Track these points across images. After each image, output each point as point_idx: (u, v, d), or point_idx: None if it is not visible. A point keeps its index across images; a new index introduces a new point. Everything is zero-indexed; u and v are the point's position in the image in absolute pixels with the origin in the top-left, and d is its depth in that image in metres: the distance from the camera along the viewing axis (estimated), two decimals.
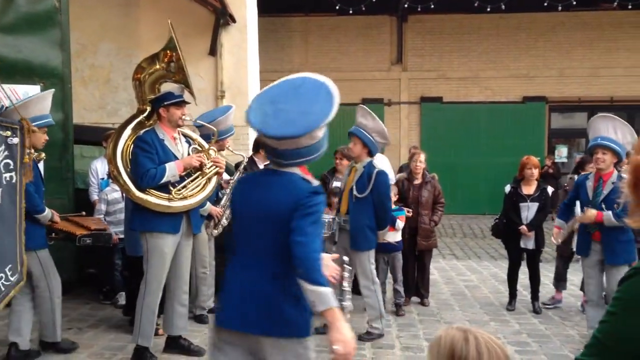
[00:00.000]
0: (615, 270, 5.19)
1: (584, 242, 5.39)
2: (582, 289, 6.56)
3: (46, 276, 4.94)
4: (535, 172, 6.61)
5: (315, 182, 2.73)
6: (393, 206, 6.34)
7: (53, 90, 5.30)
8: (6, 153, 4.14)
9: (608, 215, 5.12)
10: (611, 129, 5.16)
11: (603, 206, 5.21)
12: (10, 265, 4.21)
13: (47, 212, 4.92)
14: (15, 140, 4.18)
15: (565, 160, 16.80)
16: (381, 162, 7.25)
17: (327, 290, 2.48)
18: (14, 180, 4.17)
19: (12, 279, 4.22)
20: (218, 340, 2.75)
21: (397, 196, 6.54)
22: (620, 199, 1.67)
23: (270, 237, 2.65)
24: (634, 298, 1.44)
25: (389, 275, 6.64)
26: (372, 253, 5.60)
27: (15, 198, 4.20)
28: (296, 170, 2.73)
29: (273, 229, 2.63)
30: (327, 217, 5.45)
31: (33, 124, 4.96)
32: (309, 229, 2.56)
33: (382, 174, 5.56)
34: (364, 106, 5.82)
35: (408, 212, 6.53)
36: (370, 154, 5.62)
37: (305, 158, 2.68)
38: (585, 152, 8.12)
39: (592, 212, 5.17)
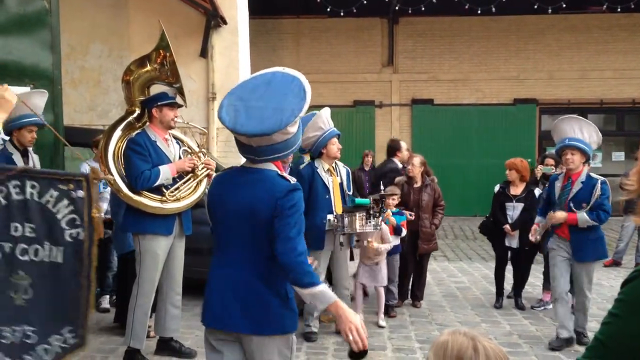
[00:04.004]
0: (584, 267, 5.36)
1: (553, 240, 5.54)
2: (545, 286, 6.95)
3: None
4: (512, 174, 6.71)
5: (292, 180, 2.71)
6: (394, 209, 6.36)
7: (45, 91, 5.28)
8: (71, 208, 3.82)
9: (582, 216, 5.27)
10: (577, 130, 5.27)
11: (571, 205, 5.33)
12: (69, 328, 3.87)
13: None
14: (81, 193, 3.85)
15: None
16: None
17: (322, 288, 2.55)
18: (80, 237, 3.85)
19: (71, 341, 3.88)
20: (210, 339, 2.77)
21: (399, 199, 6.52)
22: (623, 197, 1.66)
23: (251, 237, 2.65)
24: (637, 300, 1.43)
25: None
26: None
27: (82, 256, 3.86)
28: (272, 167, 2.71)
29: (255, 228, 2.63)
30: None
31: (20, 121, 4.96)
32: (292, 233, 2.58)
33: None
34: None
35: (410, 215, 6.53)
36: None
37: (280, 153, 2.66)
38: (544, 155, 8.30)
39: (561, 214, 5.33)
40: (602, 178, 5.49)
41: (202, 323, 2.77)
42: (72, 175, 3.92)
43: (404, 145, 8.16)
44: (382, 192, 6.34)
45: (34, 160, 5.23)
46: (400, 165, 7.86)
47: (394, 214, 6.33)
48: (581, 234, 5.31)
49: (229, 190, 2.71)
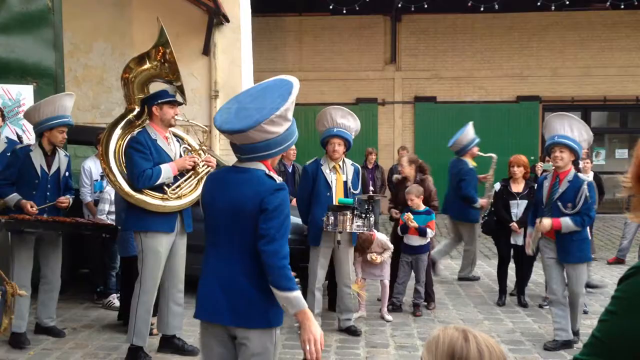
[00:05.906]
0: (571, 267, 5.33)
1: (542, 241, 5.49)
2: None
3: None
4: (519, 170, 6.69)
5: (279, 179, 2.79)
6: (422, 207, 6.32)
7: (73, 94, 5.41)
8: None
9: (566, 222, 5.22)
10: (567, 127, 5.23)
11: (559, 204, 5.28)
12: None
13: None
14: None
15: None
16: None
17: (296, 294, 2.63)
18: None
19: None
20: (203, 332, 2.86)
21: (422, 197, 6.39)
22: (621, 194, 1.66)
23: (238, 233, 2.73)
24: (634, 297, 1.42)
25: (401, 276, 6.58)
26: None
27: None
28: (261, 167, 2.78)
29: (241, 225, 2.71)
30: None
31: (50, 123, 5.14)
32: (277, 235, 2.65)
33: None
34: (342, 107, 5.85)
35: (396, 214, 6.52)
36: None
37: (261, 153, 2.71)
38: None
39: (547, 222, 5.26)
40: (589, 180, 5.47)
41: (194, 316, 2.85)
42: None
43: None
44: (371, 192, 6.31)
45: (61, 161, 5.39)
46: None
47: (420, 213, 6.29)
48: (565, 235, 5.27)
49: (218, 188, 2.81)
